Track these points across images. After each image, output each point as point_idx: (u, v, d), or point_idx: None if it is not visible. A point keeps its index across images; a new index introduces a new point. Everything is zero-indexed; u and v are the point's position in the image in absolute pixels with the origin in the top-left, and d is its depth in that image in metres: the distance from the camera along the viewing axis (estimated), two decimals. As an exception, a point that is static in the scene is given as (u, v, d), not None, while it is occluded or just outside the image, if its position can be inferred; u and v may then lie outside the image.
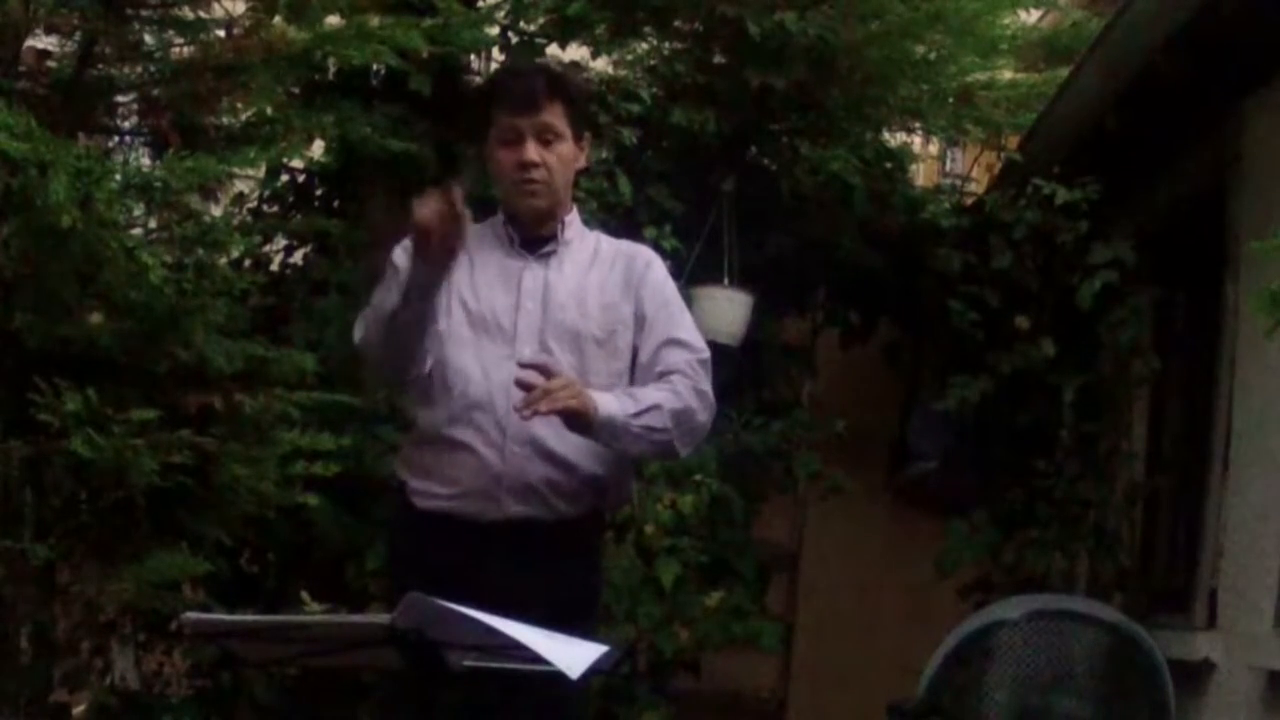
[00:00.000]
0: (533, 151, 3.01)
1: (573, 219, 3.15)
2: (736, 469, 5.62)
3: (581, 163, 3.14)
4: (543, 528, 2.98)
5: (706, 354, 3.10)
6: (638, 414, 2.94)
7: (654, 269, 3.16)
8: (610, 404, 2.90)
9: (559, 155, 3.04)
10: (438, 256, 2.80)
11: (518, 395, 2.88)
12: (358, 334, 3.04)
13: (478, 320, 3.02)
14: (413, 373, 2.99)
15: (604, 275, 3.10)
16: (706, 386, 3.05)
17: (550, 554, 2.98)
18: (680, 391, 3.00)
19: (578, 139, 3.09)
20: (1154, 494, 5.42)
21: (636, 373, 3.09)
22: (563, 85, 3.07)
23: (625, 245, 3.21)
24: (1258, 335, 3.83)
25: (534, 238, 3.09)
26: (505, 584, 2.81)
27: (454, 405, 2.99)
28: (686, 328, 3.12)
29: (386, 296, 2.94)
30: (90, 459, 3.55)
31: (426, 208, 2.77)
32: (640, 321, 3.09)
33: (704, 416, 3.04)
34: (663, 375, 3.03)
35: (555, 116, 3.02)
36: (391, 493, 3.16)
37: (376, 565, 4.64)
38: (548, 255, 3.08)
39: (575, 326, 3.03)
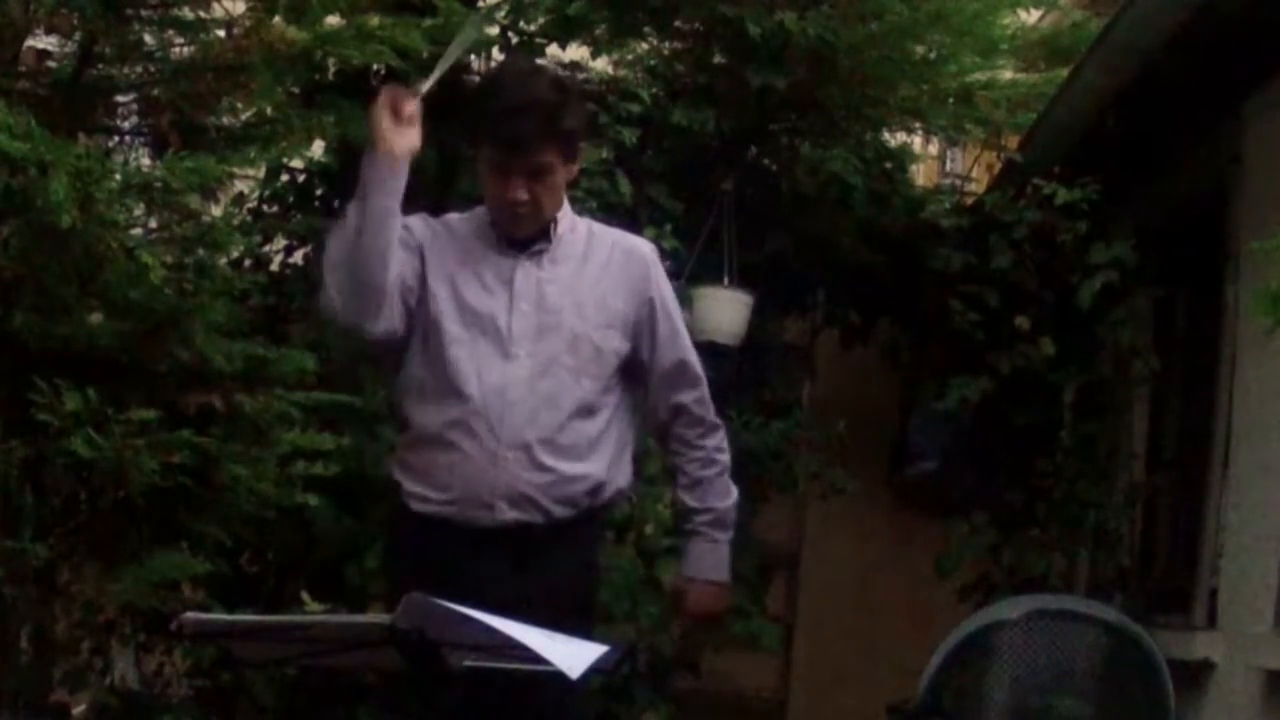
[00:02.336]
0: (520, 190, 2.93)
1: (563, 214, 3.07)
2: (736, 469, 5.60)
3: (576, 170, 3.07)
4: (538, 531, 2.97)
5: (702, 374, 3.20)
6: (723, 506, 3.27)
7: (655, 269, 3.14)
8: (720, 553, 3.28)
9: (549, 185, 2.96)
10: (403, 139, 2.87)
11: (514, 398, 2.91)
12: (326, 277, 2.92)
13: (470, 319, 2.97)
14: (379, 307, 2.90)
15: (599, 272, 3.05)
16: (710, 413, 3.22)
17: (546, 556, 2.97)
18: (710, 453, 3.25)
19: (571, 160, 3.01)
20: (1154, 494, 5.42)
21: (649, 380, 3.12)
22: (556, 124, 2.92)
23: (619, 237, 3.15)
24: (1258, 335, 3.84)
25: (524, 238, 3.05)
26: (502, 587, 2.80)
27: (448, 408, 2.96)
28: (689, 344, 3.20)
29: (338, 236, 2.91)
30: (90, 459, 3.55)
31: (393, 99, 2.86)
32: (651, 332, 3.10)
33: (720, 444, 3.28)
34: (675, 411, 3.15)
35: (546, 155, 2.93)
36: (391, 493, 3.13)
37: (376, 565, 4.64)
38: (539, 253, 3.03)
39: (572, 329, 2.99)
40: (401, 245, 2.96)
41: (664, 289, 3.14)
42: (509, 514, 2.94)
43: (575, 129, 3.01)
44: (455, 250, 3.02)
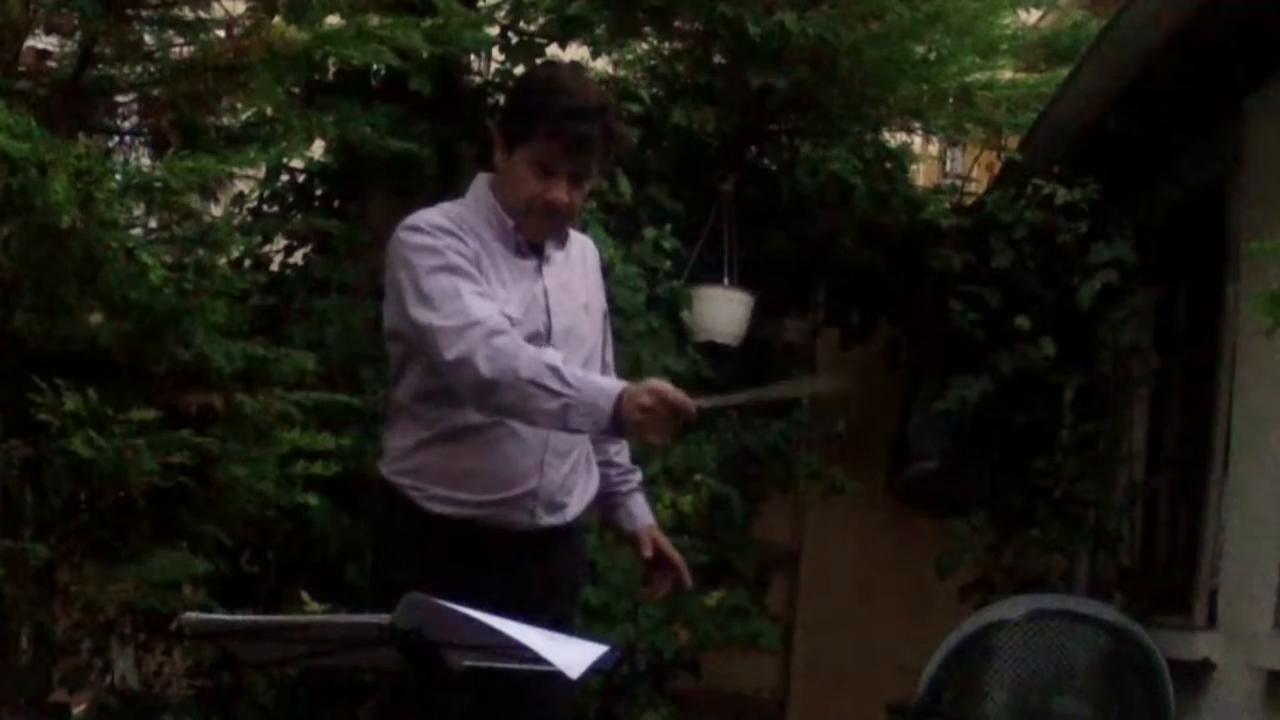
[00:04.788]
0: (564, 193, 2.90)
1: None
2: (736, 469, 5.61)
3: None
4: (559, 532, 2.98)
5: None
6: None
7: (597, 255, 3.19)
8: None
9: (583, 190, 2.97)
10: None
11: None
12: (485, 364, 2.76)
13: (514, 324, 2.88)
14: None
15: (581, 269, 3.07)
16: None
17: (558, 555, 2.99)
18: None
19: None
20: (1154, 494, 5.42)
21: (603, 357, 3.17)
22: (615, 129, 2.97)
23: (572, 234, 3.13)
24: (1258, 335, 3.84)
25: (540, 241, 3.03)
26: (528, 587, 2.82)
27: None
28: None
29: (539, 397, 2.74)
30: (90, 459, 3.55)
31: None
32: (607, 321, 3.18)
33: None
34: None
35: (597, 161, 2.96)
36: (389, 495, 3.02)
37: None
38: (549, 257, 3.01)
39: (586, 330, 3.02)
40: (468, 277, 2.88)
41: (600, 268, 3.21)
42: (544, 519, 2.94)
43: (624, 136, 3.07)
44: (488, 254, 2.95)
